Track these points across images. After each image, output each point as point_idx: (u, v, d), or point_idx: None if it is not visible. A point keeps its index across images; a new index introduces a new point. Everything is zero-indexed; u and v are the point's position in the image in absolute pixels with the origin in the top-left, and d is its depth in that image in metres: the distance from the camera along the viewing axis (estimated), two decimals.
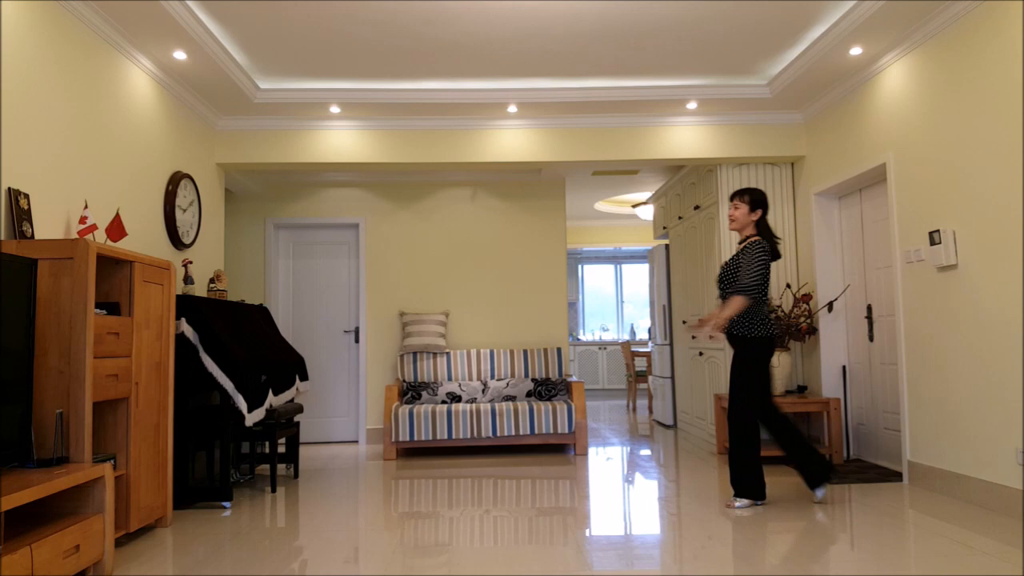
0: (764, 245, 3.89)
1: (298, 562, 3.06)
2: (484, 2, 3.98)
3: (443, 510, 3.96)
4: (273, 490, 4.56)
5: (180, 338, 4.08)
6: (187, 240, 4.91)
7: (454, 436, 5.63)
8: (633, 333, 11.71)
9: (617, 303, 12.00)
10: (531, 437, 5.70)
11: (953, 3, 3.87)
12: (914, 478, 4.37)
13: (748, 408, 3.87)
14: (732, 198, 4.04)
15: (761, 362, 3.88)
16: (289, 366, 4.85)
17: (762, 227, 4.00)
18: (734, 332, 3.91)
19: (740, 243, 4.03)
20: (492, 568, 2.93)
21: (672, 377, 7.35)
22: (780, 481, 4.54)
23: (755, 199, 3.99)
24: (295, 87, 5.19)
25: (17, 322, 2.73)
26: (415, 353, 6.33)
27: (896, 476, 4.57)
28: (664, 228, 7.63)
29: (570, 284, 11.76)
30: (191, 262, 4.70)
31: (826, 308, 5.42)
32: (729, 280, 3.96)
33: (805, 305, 5.39)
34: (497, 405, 5.72)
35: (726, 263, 4.03)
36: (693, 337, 4.01)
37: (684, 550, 3.13)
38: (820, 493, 3.92)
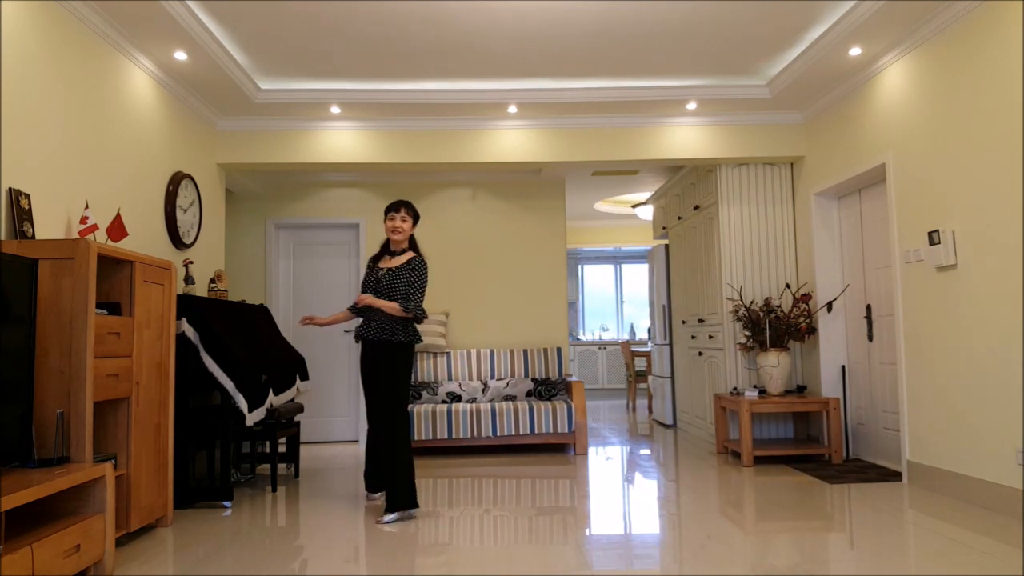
0: (426, 264, 4.01)
1: (299, 561, 3.07)
2: (484, 2, 3.98)
3: (443, 509, 3.97)
4: (274, 489, 4.57)
5: (181, 338, 4.08)
6: (188, 240, 4.91)
7: (454, 436, 5.64)
8: (633, 333, 11.71)
9: (617, 303, 12.00)
10: (531, 437, 5.71)
11: (952, 3, 3.88)
12: (913, 478, 4.38)
13: (403, 416, 3.86)
14: (399, 208, 4.04)
15: (410, 367, 3.92)
16: (289, 366, 4.85)
17: (413, 241, 4.11)
18: (387, 338, 3.83)
19: (395, 255, 4.04)
20: (492, 567, 2.94)
21: (672, 377, 7.36)
22: (779, 481, 4.55)
23: (416, 214, 4.10)
24: (295, 87, 5.19)
25: (18, 322, 2.74)
26: (415, 353, 6.34)
27: (895, 476, 4.58)
28: (664, 228, 7.64)
29: (570, 284, 11.77)
30: (192, 262, 4.70)
31: (825, 308, 5.43)
32: (395, 292, 3.89)
33: (804, 305, 5.40)
34: (497, 405, 5.73)
35: (389, 272, 3.94)
36: (302, 322, 4.04)
37: (684, 549, 3.14)
38: (391, 518, 3.77)
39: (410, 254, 4.03)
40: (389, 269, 3.97)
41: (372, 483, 4.22)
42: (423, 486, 4.61)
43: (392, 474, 3.80)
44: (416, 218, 4.12)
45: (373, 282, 3.98)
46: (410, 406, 5.76)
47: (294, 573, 2.92)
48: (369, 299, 3.87)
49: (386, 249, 4.16)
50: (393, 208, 4.07)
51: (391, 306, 3.85)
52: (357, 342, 3.99)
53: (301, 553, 3.20)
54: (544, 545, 3.25)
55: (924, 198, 4.24)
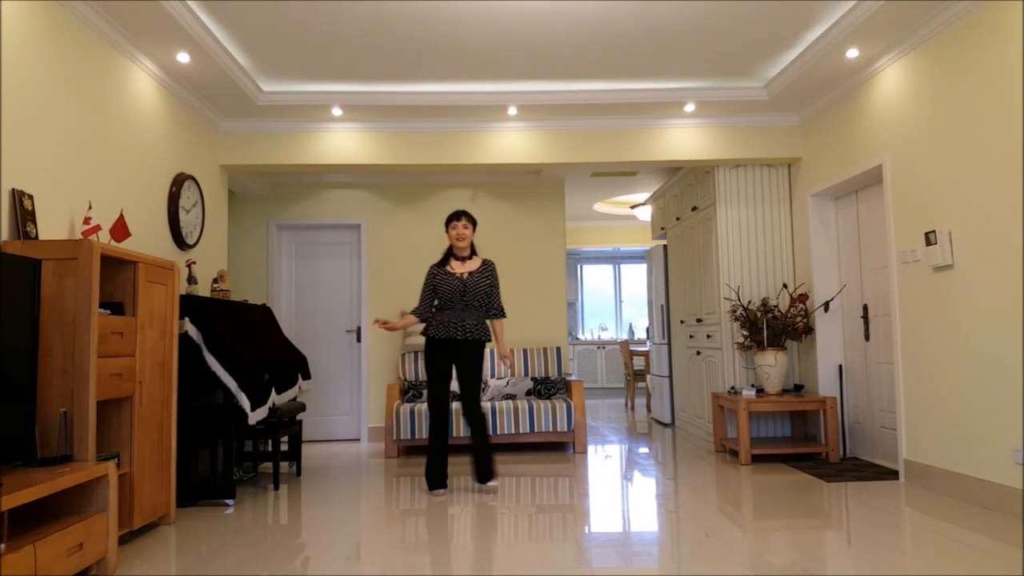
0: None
1: (300, 559, 3.10)
2: (485, 3, 4.01)
3: (444, 507, 4.00)
4: (276, 488, 4.60)
5: (184, 337, 4.11)
6: (191, 240, 4.94)
7: (455, 434, 5.67)
8: (631, 332, 11.74)
9: (616, 303, 12.03)
10: (531, 435, 5.73)
11: (950, 4, 3.91)
12: (910, 476, 4.41)
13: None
14: (459, 217, 4.47)
15: None
16: (292, 365, 4.88)
17: (473, 245, 4.58)
18: (482, 338, 4.44)
19: (464, 260, 4.49)
20: (492, 565, 2.97)
21: (670, 376, 7.39)
22: (777, 479, 4.57)
23: (475, 221, 4.54)
24: (297, 89, 5.22)
25: (22, 322, 2.76)
26: (416, 352, 6.36)
27: (892, 474, 4.61)
28: (662, 229, 7.66)
29: (569, 284, 11.80)
30: (195, 262, 4.73)
31: (822, 308, 5.45)
32: (482, 293, 4.42)
33: (802, 305, 5.43)
34: (497, 403, 5.76)
35: (471, 276, 4.43)
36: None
37: (682, 547, 3.17)
38: (496, 483, 4.56)
39: (479, 257, 4.54)
40: (471, 273, 4.45)
41: (442, 478, 4.38)
42: (423, 485, 4.64)
43: (488, 446, 4.42)
44: (475, 224, 4.54)
45: (460, 287, 4.39)
46: (411, 405, 5.79)
47: (296, 571, 2.94)
48: (506, 353, 4.56)
49: (450, 255, 4.53)
50: (455, 217, 4.49)
51: (501, 327, 4.57)
52: (433, 339, 4.39)
53: (303, 551, 3.23)
54: (544, 543, 3.27)
55: (921, 199, 4.27)
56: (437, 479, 4.36)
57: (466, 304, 4.40)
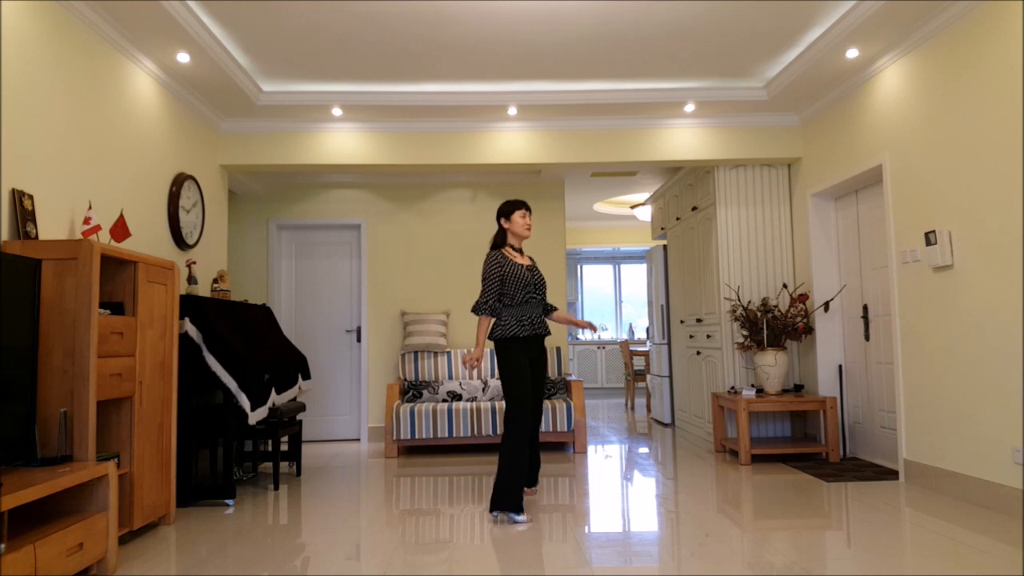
0: None
1: (300, 559, 3.10)
2: (485, 3, 4.01)
3: (444, 507, 4.00)
4: (276, 488, 4.60)
5: (184, 337, 4.11)
6: (191, 240, 4.94)
7: (455, 434, 5.67)
8: (631, 332, 11.74)
9: (616, 303, 12.03)
10: None
11: (950, 4, 3.91)
12: (910, 476, 4.41)
13: None
14: (527, 207, 4.05)
15: None
16: (291, 365, 4.88)
17: None
18: (546, 334, 4.06)
19: (520, 253, 4.07)
20: (492, 565, 2.97)
21: (670, 376, 7.39)
22: (777, 479, 4.57)
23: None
24: (297, 89, 5.22)
25: (22, 322, 2.76)
26: (416, 352, 6.37)
27: (892, 474, 4.61)
28: (662, 229, 7.66)
29: (569, 284, 11.80)
30: (195, 262, 4.73)
31: (822, 308, 5.45)
32: (543, 290, 4.07)
33: (801, 305, 5.43)
34: (497, 403, 5.76)
35: (533, 270, 4.02)
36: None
37: (682, 547, 3.17)
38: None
39: (526, 254, 4.32)
40: (532, 268, 4.05)
41: (532, 478, 4.27)
42: (423, 485, 4.64)
43: (537, 451, 4.20)
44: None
45: (529, 278, 3.95)
46: (411, 405, 5.80)
47: (296, 571, 2.94)
48: (583, 321, 4.16)
49: (503, 244, 4.03)
50: (526, 207, 4.03)
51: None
52: (522, 337, 3.86)
53: (303, 551, 3.23)
54: (543, 543, 3.28)
55: (921, 199, 4.27)
56: (528, 479, 4.23)
57: (538, 298, 3.99)
